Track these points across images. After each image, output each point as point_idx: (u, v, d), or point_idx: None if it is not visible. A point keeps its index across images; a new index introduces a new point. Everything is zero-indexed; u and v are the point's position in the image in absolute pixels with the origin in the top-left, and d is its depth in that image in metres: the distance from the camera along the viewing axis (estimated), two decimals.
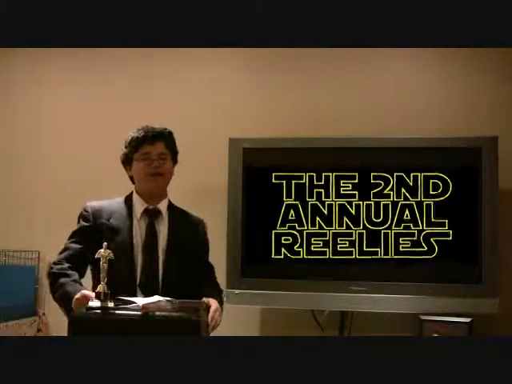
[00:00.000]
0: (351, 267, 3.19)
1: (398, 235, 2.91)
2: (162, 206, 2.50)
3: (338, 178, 2.77)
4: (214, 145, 3.54)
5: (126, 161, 2.51)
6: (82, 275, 2.41)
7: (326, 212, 2.84)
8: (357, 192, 2.87)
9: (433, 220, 2.86)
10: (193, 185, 3.61)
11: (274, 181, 2.75)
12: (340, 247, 2.79)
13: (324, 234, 2.84)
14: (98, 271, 2.26)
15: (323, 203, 2.82)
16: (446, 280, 3.15)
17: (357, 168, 3.17)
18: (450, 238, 2.83)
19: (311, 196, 2.81)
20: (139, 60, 3.76)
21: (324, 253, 2.78)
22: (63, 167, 3.82)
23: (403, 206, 2.86)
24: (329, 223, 2.83)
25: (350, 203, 2.94)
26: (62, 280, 2.31)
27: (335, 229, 2.84)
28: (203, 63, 3.73)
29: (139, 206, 2.48)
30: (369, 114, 3.52)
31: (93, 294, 2.13)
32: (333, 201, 2.86)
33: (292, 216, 2.81)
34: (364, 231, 2.96)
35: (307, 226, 2.83)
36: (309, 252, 2.81)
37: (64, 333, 2.07)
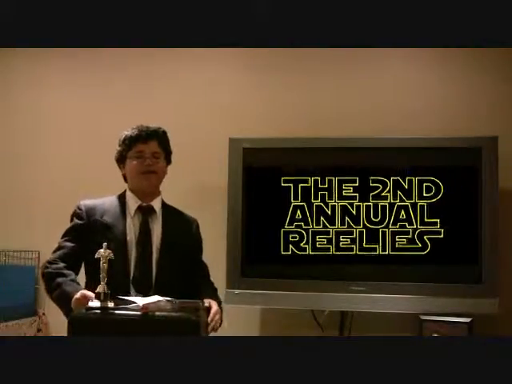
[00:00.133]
0: (351, 267, 3.20)
1: (394, 233, 3.04)
2: (156, 203, 2.51)
3: (340, 182, 2.97)
4: (214, 145, 3.54)
5: (120, 159, 2.51)
6: (76, 273, 2.41)
7: (329, 212, 3.01)
8: (357, 194, 3.04)
9: (425, 220, 3.00)
10: (193, 185, 3.61)
11: (282, 184, 2.97)
12: (342, 244, 2.97)
13: (328, 232, 3.01)
14: (91, 267, 2.29)
15: (327, 204, 3.00)
16: (446, 280, 3.15)
17: (357, 168, 3.21)
18: (442, 235, 2.98)
19: (316, 198, 2.99)
20: (139, 60, 3.76)
21: (328, 249, 2.97)
22: (63, 167, 3.82)
23: (399, 207, 3.02)
24: (332, 222, 3.00)
25: (351, 204, 3.08)
26: (60, 279, 2.30)
27: (338, 227, 3.01)
28: (203, 63, 3.73)
29: (133, 203, 2.48)
30: (369, 114, 3.52)
31: (92, 294, 2.13)
32: (335, 202, 3.02)
33: (299, 216, 2.97)
34: (364, 230, 3.09)
35: (312, 225, 3.00)
36: (314, 248, 2.99)
37: (64, 333, 2.07)
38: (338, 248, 2.95)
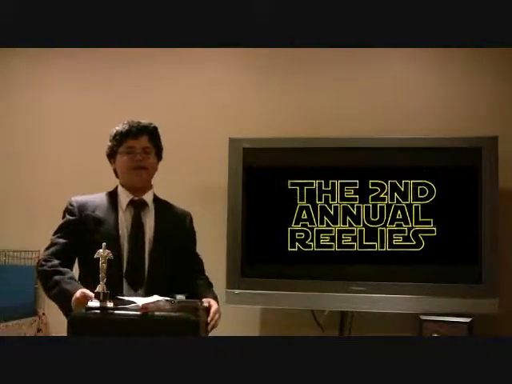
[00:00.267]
0: (351, 267, 3.22)
1: (391, 232, 3.16)
2: (148, 197, 2.51)
3: (342, 185, 3.14)
4: (214, 145, 3.54)
5: (111, 154, 2.52)
6: (71, 269, 2.41)
7: (332, 212, 3.16)
8: (357, 196, 3.17)
9: (420, 219, 3.13)
10: (193, 185, 3.61)
11: (289, 186, 3.16)
12: (344, 241, 3.13)
13: (330, 231, 3.16)
14: (84, 262, 2.34)
15: (330, 205, 3.16)
16: (445, 280, 3.15)
17: (357, 169, 3.25)
18: (435, 233, 3.12)
19: (320, 199, 3.15)
20: (139, 60, 3.76)
21: (331, 246, 3.14)
22: (63, 167, 3.82)
23: (396, 208, 3.15)
24: (334, 222, 3.16)
25: (352, 205, 3.19)
26: (57, 277, 2.30)
27: (340, 226, 3.16)
28: (203, 63, 3.72)
29: (124, 197, 2.48)
30: (369, 113, 3.52)
31: (92, 294, 2.13)
32: (338, 203, 3.17)
33: (304, 216, 3.15)
34: (363, 228, 3.19)
35: (317, 224, 3.16)
36: (318, 245, 3.15)
37: (64, 333, 2.07)
38: (340, 245, 3.12)
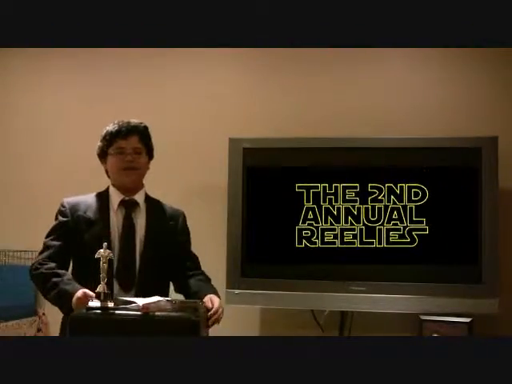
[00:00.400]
0: (351, 267, 3.24)
1: (388, 230, 3.26)
2: (139, 197, 2.51)
3: (344, 188, 3.29)
4: (214, 145, 3.54)
5: (101, 154, 2.51)
6: (66, 271, 2.42)
7: (335, 213, 3.30)
8: (358, 198, 3.29)
9: (414, 219, 3.25)
10: (193, 185, 3.61)
11: (297, 190, 3.32)
12: (345, 239, 3.28)
13: (334, 229, 3.29)
14: (78, 263, 2.38)
15: (333, 206, 3.30)
16: (445, 280, 3.16)
17: (356, 169, 3.30)
18: (427, 232, 3.23)
19: (324, 201, 3.30)
20: (139, 60, 3.76)
21: (334, 243, 3.28)
22: (63, 167, 3.82)
23: (392, 209, 3.27)
24: (337, 221, 3.29)
25: (353, 206, 3.29)
26: (55, 279, 2.30)
27: (342, 225, 3.29)
28: (203, 63, 3.73)
29: (116, 197, 2.48)
30: (368, 114, 3.52)
31: (93, 294, 2.14)
32: (340, 204, 3.30)
33: (310, 216, 3.30)
34: (363, 227, 3.28)
35: (321, 223, 3.30)
36: (322, 242, 3.29)
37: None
38: (342, 242, 3.28)
